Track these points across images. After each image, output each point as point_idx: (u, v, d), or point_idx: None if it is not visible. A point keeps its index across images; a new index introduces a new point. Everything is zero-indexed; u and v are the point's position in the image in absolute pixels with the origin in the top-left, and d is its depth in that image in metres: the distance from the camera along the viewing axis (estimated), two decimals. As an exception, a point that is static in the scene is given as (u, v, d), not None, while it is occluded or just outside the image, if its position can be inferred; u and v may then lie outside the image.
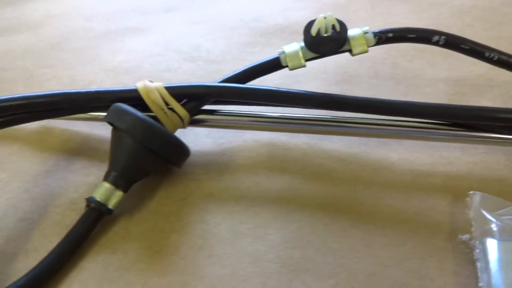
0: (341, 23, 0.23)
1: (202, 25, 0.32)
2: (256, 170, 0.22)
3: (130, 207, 0.21)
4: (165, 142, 0.20)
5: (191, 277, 0.18)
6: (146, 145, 0.20)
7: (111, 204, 0.20)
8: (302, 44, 0.23)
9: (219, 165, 0.23)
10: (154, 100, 0.22)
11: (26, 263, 0.19)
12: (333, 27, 0.22)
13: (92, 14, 0.33)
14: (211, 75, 0.28)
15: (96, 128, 0.25)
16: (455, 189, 0.21)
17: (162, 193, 0.21)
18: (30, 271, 0.18)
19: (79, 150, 0.24)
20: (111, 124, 0.21)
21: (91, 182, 0.22)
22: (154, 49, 0.30)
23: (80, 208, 0.21)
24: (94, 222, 0.19)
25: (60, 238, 0.19)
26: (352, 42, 0.23)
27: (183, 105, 0.22)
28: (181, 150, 0.21)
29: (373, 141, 0.24)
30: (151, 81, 0.22)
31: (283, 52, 0.23)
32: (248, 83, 0.23)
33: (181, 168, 0.22)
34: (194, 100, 0.22)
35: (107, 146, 0.24)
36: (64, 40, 0.30)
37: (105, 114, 0.22)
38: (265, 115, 0.23)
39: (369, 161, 0.23)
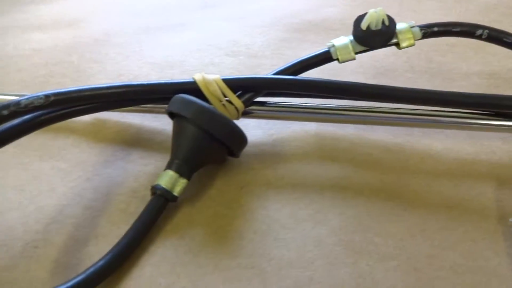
0: (389, 18, 0.23)
1: (237, 22, 0.33)
2: (308, 159, 0.23)
3: (191, 195, 0.21)
4: (229, 131, 0.21)
5: (260, 259, 0.19)
6: (211, 133, 0.20)
7: (176, 191, 0.20)
8: (351, 37, 0.24)
9: (272, 154, 0.24)
10: (212, 92, 0.22)
11: (97, 248, 0.20)
12: (383, 21, 0.23)
13: (131, 10, 0.34)
14: (253, 69, 0.29)
15: (147, 120, 0.25)
16: (499, 176, 0.22)
17: (220, 182, 0.22)
18: (107, 254, 0.18)
19: (133, 141, 0.24)
20: (172, 114, 0.22)
21: (150, 171, 0.23)
22: (194, 44, 0.30)
23: (142, 196, 0.22)
24: (160, 209, 0.20)
25: (127, 224, 0.20)
26: (399, 36, 0.24)
27: (238, 96, 0.23)
28: (242, 139, 0.21)
29: (416, 131, 0.25)
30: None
31: (333, 46, 0.24)
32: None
33: (238, 157, 0.22)
34: (249, 92, 0.23)
35: (161, 137, 0.25)
36: (106, 36, 0.31)
37: (160, 106, 0.24)
38: (312, 106, 0.24)
39: (414, 151, 0.24)
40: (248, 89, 0.23)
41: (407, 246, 0.19)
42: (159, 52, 0.30)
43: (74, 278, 0.17)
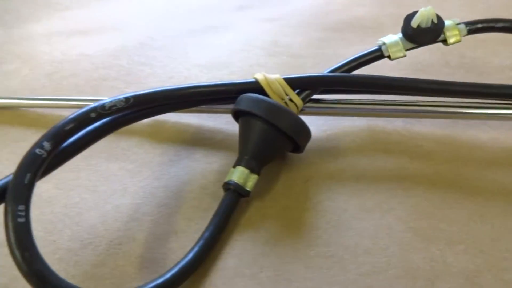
0: (438, 16, 0.25)
1: (274, 22, 0.34)
2: (364, 153, 0.24)
3: (259, 190, 0.22)
4: (297, 125, 0.22)
5: (337, 248, 0.20)
6: (280, 128, 0.21)
7: (248, 187, 0.21)
8: (400, 35, 0.25)
9: (328, 149, 0.24)
10: (275, 91, 0.23)
11: (179, 243, 0.20)
12: (432, 19, 0.24)
13: (171, 14, 0.35)
14: (297, 69, 0.30)
15: (204, 121, 0.26)
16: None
17: (284, 177, 0.23)
18: (193, 248, 0.19)
19: (194, 141, 0.25)
20: (237, 114, 0.23)
21: (215, 169, 0.23)
22: (237, 45, 0.31)
23: (212, 193, 0.22)
24: (235, 203, 0.21)
25: (203, 220, 0.21)
26: (447, 33, 0.25)
27: (297, 94, 0.24)
28: (308, 133, 0.22)
29: (460, 123, 0.26)
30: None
31: (384, 43, 0.25)
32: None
33: (302, 152, 0.23)
34: (306, 90, 0.24)
35: (220, 136, 0.25)
36: (150, 39, 0.31)
37: (220, 106, 0.25)
38: (363, 101, 0.25)
39: (462, 142, 0.25)
40: (305, 87, 0.24)
41: (470, 230, 0.20)
42: (204, 54, 0.31)
43: (168, 271, 0.18)
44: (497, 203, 0.22)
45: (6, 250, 0.19)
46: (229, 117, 0.26)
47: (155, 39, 0.32)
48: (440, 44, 0.25)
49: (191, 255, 0.19)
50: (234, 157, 0.24)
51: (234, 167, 0.22)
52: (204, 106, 0.25)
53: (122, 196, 0.22)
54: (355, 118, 0.26)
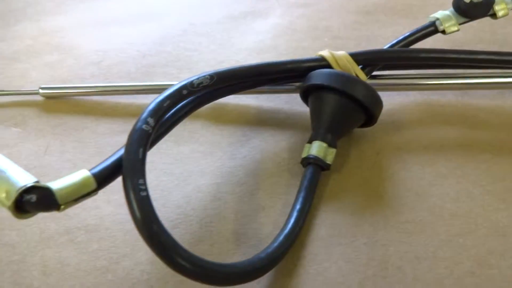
0: (488, -10, 0.26)
1: (309, 8, 0.34)
2: (425, 125, 0.25)
3: (334, 163, 0.22)
4: (373, 95, 0.22)
5: (423, 213, 0.20)
6: (357, 98, 0.21)
7: (328, 160, 0.21)
8: (451, 10, 0.26)
9: (391, 123, 0.25)
10: (342, 67, 0.23)
11: (269, 218, 0.20)
12: (483, -7, 0.25)
13: (205, 1, 0.34)
14: (341, 50, 0.30)
15: (263, 102, 0.26)
16: None
17: (355, 151, 0.23)
18: (288, 220, 0.19)
19: (258, 121, 0.25)
20: (307, 91, 0.23)
21: (286, 146, 0.23)
22: (278, 30, 0.31)
23: (289, 169, 0.22)
24: (318, 177, 0.21)
25: (286, 195, 0.21)
26: (495, 7, 0.26)
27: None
28: (381, 103, 0.22)
29: (506, 92, 0.27)
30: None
31: (438, 19, 0.26)
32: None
33: (375, 123, 0.23)
34: (369, 66, 0.25)
35: (282, 115, 0.25)
36: (192, 26, 0.31)
37: (280, 87, 0.25)
38: (416, 75, 0.26)
39: None
40: (369, 63, 0.24)
41: (543, 191, 0.22)
42: (248, 38, 0.30)
43: (273, 242, 0.18)
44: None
45: (99, 234, 0.19)
46: (287, 97, 0.27)
47: (196, 26, 0.31)
48: (471, 23, 0.26)
49: (289, 226, 0.19)
50: (300, 134, 0.25)
51: (309, 142, 0.22)
52: (265, 87, 0.25)
53: (201, 176, 0.22)
54: (408, 92, 0.27)
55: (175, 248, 0.15)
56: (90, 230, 0.19)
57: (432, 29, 0.26)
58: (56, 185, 0.14)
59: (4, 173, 0.14)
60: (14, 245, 0.19)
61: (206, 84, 0.19)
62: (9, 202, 0.13)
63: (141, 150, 0.16)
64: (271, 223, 0.20)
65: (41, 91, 0.25)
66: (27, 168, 0.15)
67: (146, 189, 0.15)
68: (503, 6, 0.26)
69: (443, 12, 0.26)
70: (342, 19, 0.33)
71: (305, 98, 0.24)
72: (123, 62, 0.28)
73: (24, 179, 0.14)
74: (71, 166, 0.23)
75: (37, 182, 0.14)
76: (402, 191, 0.21)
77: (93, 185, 0.15)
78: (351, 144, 0.24)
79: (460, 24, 0.26)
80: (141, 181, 0.15)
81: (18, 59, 0.29)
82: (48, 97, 0.26)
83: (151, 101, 0.18)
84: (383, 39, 0.32)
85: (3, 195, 0.14)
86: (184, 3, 0.34)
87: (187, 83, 0.19)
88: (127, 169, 0.15)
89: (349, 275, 0.18)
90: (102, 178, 0.15)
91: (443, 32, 0.25)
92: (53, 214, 0.19)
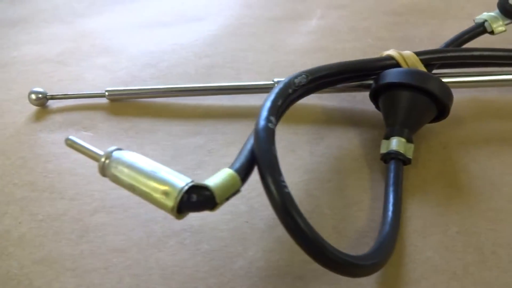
0: (532, -7, 0.27)
1: (346, 9, 0.35)
2: (481, 119, 0.26)
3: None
4: (446, 88, 0.23)
5: (502, 201, 0.21)
6: (433, 92, 0.22)
7: (409, 154, 0.22)
8: (496, 11, 0.28)
9: (451, 118, 0.26)
10: (411, 65, 0.24)
11: (362, 212, 0.21)
12: (528, -5, 0.27)
13: (242, 3, 0.34)
14: (382, 51, 0.31)
15: (326, 100, 0.27)
16: None
17: (423, 147, 0.24)
18: (386, 215, 0.19)
19: (326, 119, 0.25)
20: (382, 88, 0.24)
21: (359, 143, 0.24)
22: (323, 31, 0.32)
23: (368, 165, 0.23)
24: (402, 171, 0.22)
25: (372, 190, 0.22)
26: (539, 9, 0.28)
27: (423, 68, 0.25)
28: (452, 95, 0.23)
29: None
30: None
31: (486, 20, 0.27)
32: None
33: (448, 115, 0.24)
34: (429, 65, 0.26)
35: (348, 114, 0.26)
36: (237, 28, 0.31)
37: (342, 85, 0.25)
38: (467, 74, 0.27)
39: None
40: (432, 61, 0.25)
41: None
42: (296, 39, 0.31)
43: (383, 235, 0.18)
44: None
45: (206, 235, 0.19)
46: (346, 96, 0.27)
47: (243, 27, 0.31)
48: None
49: (390, 219, 0.19)
50: (369, 131, 0.25)
51: (387, 138, 0.23)
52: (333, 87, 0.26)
53: (288, 174, 0.22)
54: (456, 89, 0.28)
55: (320, 241, 0.15)
56: (195, 232, 0.19)
57: (481, 29, 0.27)
58: (212, 184, 0.14)
59: (157, 173, 0.14)
60: (125, 249, 0.18)
61: (303, 83, 0.20)
62: (172, 203, 0.13)
63: (272, 147, 0.16)
64: (365, 217, 0.21)
65: (107, 93, 0.25)
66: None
67: (287, 186, 0.15)
68: (544, 8, 0.28)
69: (489, 14, 0.28)
70: (377, 20, 0.34)
71: (375, 96, 0.25)
72: (181, 63, 0.28)
73: (181, 179, 0.14)
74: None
75: (193, 181, 0.14)
76: (476, 181, 0.23)
77: (239, 183, 0.15)
78: (419, 139, 0.25)
79: (506, 24, 0.27)
80: (282, 178, 0.15)
81: (65, 62, 0.28)
82: (113, 99, 0.25)
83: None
84: (419, 39, 0.33)
85: (162, 196, 0.13)
86: (223, 5, 0.34)
87: (290, 82, 0.19)
88: (267, 167, 0.15)
89: (452, 262, 0.19)
90: (243, 176, 0.15)
91: (491, 32, 0.27)
92: (155, 217, 0.19)
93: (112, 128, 0.24)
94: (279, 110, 0.18)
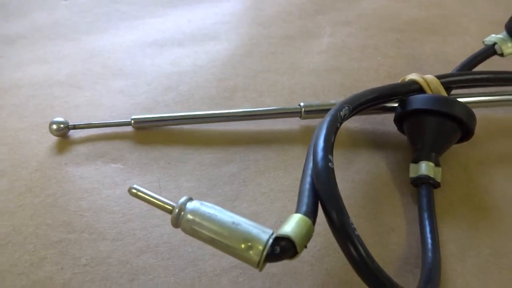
0: (538, 18, 0.29)
1: (352, 26, 0.35)
2: (495, 138, 0.27)
3: None
4: (469, 112, 0.24)
5: None
6: (457, 116, 0.23)
7: (438, 178, 0.23)
8: (504, 34, 0.29)
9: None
10: (433, 89, 0.25)
11: (400, 238, 0.21)
12: (533, 20, 0.28)
13: (255, 21, 0.34)
14: (393, 69, 0.32)
15: (348, 122, 0.27)
16: None
17: (445, 167, 0.25)
18: (426, 241, 0.20)
19: (352, 143, 0.26)
20: (407, 114, 0.24)
21: (385, 167, 0.25)
22: (335, 49, 0.32)
23: (398, 189, 0.24)
24: (433, 194, 0.23)
25: (406, 213, 0.22)
26: (544, 31, 0.29)
27: (445, 90, 0.26)
28: (475, 117, 0.24)
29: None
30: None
31: (495, 43, 0.29)
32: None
33: (472, 135, 0.25)
34: (453, 86, 0.27)
35: (371, 136, 0.27)
36: (251, 47, 0.31)
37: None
38: (477, 94, 0.29)
39: None
40: (451, 85, 0.26)
41: None
42: (312, 58, 0.31)
43: (428, 265, 0.19)
44: None
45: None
46: (367, 117, 0.28)
47: (259, 46, 0.31)
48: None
49: (430, 247, 0.20)
50: (394, 153, 0.26)
51: (415, 162, 0.24)
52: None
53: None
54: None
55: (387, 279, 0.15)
56: (246, 268, 0.19)
57: (491, 51, 0.28)
58: (292, 233, 0.14)
59: (239, 227, 0.14)
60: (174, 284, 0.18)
61: (347, 114, 0.20)
62: (258, 257, 0.13)
63: (335, 187, 0.16)
64: (404, 243, 0.21)
65: (133, 122, 0.24)
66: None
67: (353, 225, 0.15)
68: (545, 30, 0.29)
69: (498, 36, 0.29)
70: (383, 37, 0.35)
71: (399, 121, 0.26)
72: (202, 86, 0.27)
73: (264, 231, 0.14)
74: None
75: (273, 232, 0.14)
76: (499, 203, 0.24)
77: (312, 227, 0.15)
78: (440, 161, 0.26)
79: (515, 47, 0.29)
80: (350, 221, 0.15)
81: (79, 85, 0.27)
82: (140, 128, 0.24)
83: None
84: (424, 56, 0.34)
85: (245, 249, 0.13)
86: (231, 23, 0.34)
87: (337, 116, 0.19)
88: (338, 211, 0.15)
89: (489, 284, 0.20)
90: (313, 219, 0.15)
91: (501, 54, 0.29)
92: (203, 255, 0.19)
93: (141, 159, 0.23)
94: (332, 146, 0.18)
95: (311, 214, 0.15)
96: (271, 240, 0.13)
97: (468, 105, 0.28)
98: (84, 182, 0.22)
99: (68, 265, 0.18)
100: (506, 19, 0.30)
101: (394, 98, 0.25)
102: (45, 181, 0.22)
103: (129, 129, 0.24)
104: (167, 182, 0.22)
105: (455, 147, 0.26)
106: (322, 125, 0.19)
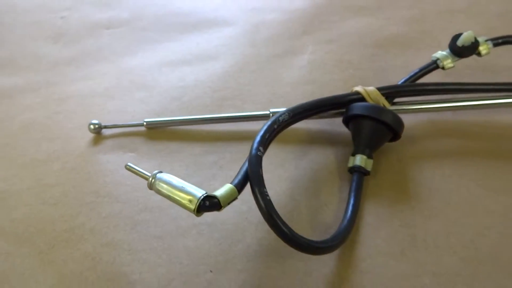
0: (475, 36, 0.34)
1: (334, 44, 0.42)
2: (433, 138, 0.33)
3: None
4: (397, 119, 0.30)
5: (438, 202, 0.29)
6: (387, 122, 0.29)
7: (368, 168, 0.30)
8: (447, 51, 0.35)
9: (407, 137, 0.33)
10: (373, 99, 0.32)
11: (331, 211, 0.29)
12: (471, 40, 0.34)
13: (250, 43, 0.43)
14: (362, 80, 0.39)
15: (311, 124, 0.34)
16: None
17: (382, 160, 0.32)
18: (347, 212, 0.27)
19: (310, 140, 0.33)
20: (350, 118, 0.31)
21: (334, 159, 0.32)
22: (313, 64, 0.40)
23: (339, 175, 0.31)
24: (362, 180, 0.30)
25: (340, 193, 0.30)
26: (480, 48, 0.35)
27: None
28: (402, 123, 0.31)
29: (489, 111, 0.36)
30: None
31: (438, 58, 0.35)
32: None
33: (399, 139, 0.32)
34: (392, 96, 0.33)
35: (327, 135, 0.34)
36: (246, 65, 0.39)
37: (325, 113, 0.33)
38: (423, 101, 0.35)
39: (496, 124, 0.35)
40: (390, 95, 0.33)
41: (518, 183, 0.31)
42: (291, 73, 0.39)
43: (342, 226, 0.26)
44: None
45: (218, 227, 0.27)
46: (328, 121, 0.35)
47: (250, 64, 0.39)
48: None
49: (348, 215, 0.27)
50: (342, 149, 0.33)
51: (353, 155, 0.31)
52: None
53: (278, 183, 0.30)
54: (416, 114, 0.36)
55: (292, 232, 0.23)
56: (210, 225, 0.27)
57: (434, 66, 0.34)
58: (218, 194, 0.22)
59: (184, 188, 0.22)
60: (162, 237, 0.27)
61: (286, 119, 0.28)
62: (193, 206, 0.22)
63: (260, 169, 0.24)
64: (333, 215, 0.28)
65: (145, 123, 0.33)
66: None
67: (268, 195, 0.23)
68: (485, 47, 0.35)
69: (442, 53, 0.35)
70: (361, 52, 0.42)
71: (346, 122, 0.33)
72: (200, 97, 0.36)
73: (198, 191, 0.22)
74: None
75: (207, 193, 0.22)
76: (419, 188, 0.30)
77: (236, 193, 0.23)
78: (381, 155, 0.32)
79: (454, 61, 0.35)
80: (265, 189, 0.23)
81: (112, 96, 0.37)
82: (150, 128, 0.34)
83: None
84: (395, 68, 0.41)
85: (187, 202, 0.22)
86: (231, 45, 0.42)
87: (276, 120, 0.27)
88: (256, 182, 0.23)
89: (395, 246, 0.27)
90: (240, 188, 0.23)
91: (443, 68, 0.34)
92: (181, 214, 0.28)
93: (149, 150, 0.32)
94: (266, 141, 0.26)
95: (238, 185, 0.23)
96: (202, 197, 0.22)
97: (414, 110, 0.34)
98: (109, 165, 0.31)
99: (94, 217, 0.28)
100: (481, 33, 0.36)
101: (337, 106, 0.32)
102: (84, 163, 0.32)
103: (142, 129, 0.34)
104: (165, 166, 0.31)
105: (396, 144, 0.33)
106: (263, 126, 0.27)
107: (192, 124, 0.34)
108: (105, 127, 0.34)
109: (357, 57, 0.41)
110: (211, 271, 0.25)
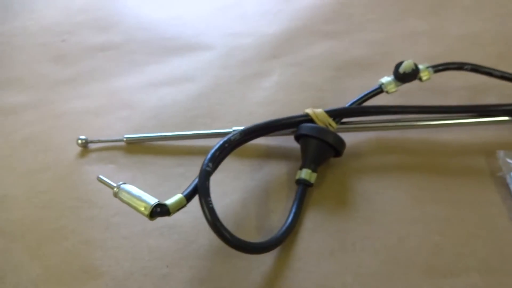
0: (415, 64, 0.39)
1: (300, 67, 0.47)
2: (377, 154, 0.37)
3: (316, 183, 0.35)
4: (338, 140, 0.35)
5: (371, 212, 0.33)
6: (329, 142, 0.34)
7: (312, 180, 0.34)
8: (392, 77, 0.39)
9: (352, 153, 0.38)
10: (320, 120, 0.37)
11: (276, 217, 0.33)
12: (412, 67, 0.38)
13: (223, 65, 0.48)
14: (321, 100, 0.43)
15: (269, 141, 0.39)
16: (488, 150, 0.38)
17: (329, 174, 0.36)
18: (289, 218, 0.32)
19: (267, 154, 0.38)
20: (298, 136, 0.36)
21: (286, 171, 0.36)
22: (278, 86, 0.44)
23: (289, 186, 0.35)
24: (306, 192, 0.34)
25: (287, 202, 0.34)
26: (421, 74, 0.39)
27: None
28: (344, 144, 0.35)
29: (431, 130, 0.40)
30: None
31: (383, 83, 0.39)
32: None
33: (341, 156, 0.36)
34: (338, 117, 0.38)
35: (283, 150, 0.38)
36: (218, 86, 0.44)
37: (281, 132, 0.38)
38: (371, 121, 0.39)
39: (435, 141, 0.39)
40: (337, 116, 0.37)
41: (442, 194, 0.35)
42: (257, 94, 0.44)
43: (280, 230, 0.31)
44: (456, 181, 0.36)
45: (177, 230, 0.32)
46: (286, 138, 0.40)
47: (221, 85, 0.44)
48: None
49: (289, 221, 0.32)
50: (294, 163, 0.38)
51: (300, 169, 0.35)
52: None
53: (233, 193, 0.35)
54: (364, 132, 0.40)
55: (230, 234, 0.28)
56: (170, 227, 0.32)
57: (379, 90, 0.39)
58: (168, 203, 0.27)
59: (141, 197, 0.27)
60: (130, 237, 0.32)
61: (238, 138, 0.33)
62: (147, 212, 0.27)
63: (207, 182, 0.29)
64: (278, 220, 0.33)
65: (125, 139, 0.39)
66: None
67: (212, 203, 0.28)
68: (426, 73, 0.39)
69: (387, 78, 0.39)
70: (323, 74, 0.46)
71: (297, 140, 0.37)
72: (174, 115, 0.42)
73: (152, 200, 0.27)
74: (152, 188, 0.36)
75: (159, 201, 0.27)
76: (358, 198, 0.34)
77: (185, 201, 0.28)
78: (326, 169, 0.37)
79: (397, 86, 0.39)
80: (209, 199, 0.28)
81: (100, 114, 0.43)
82: (129, 143, 0.39)
83: (207, 149, 0.31)
84: (353, 89, 0.45)
85: (143, 209, 0.27)
86: (206, 68, 0.47)
87: (227, 139, 0.32)
88: (202, 193, 0.28)
89: (326, 248, 0.31)
90: (188, 198, 0.28)
91: (387, 92, 0.39)
92: (146, 219, 0.33)
93: (127, 162, 0.38)
94: (217, 158, 0.31)
95: (188, 195, 0.28)
96: (155, 204, 0.27)
97: (360, 128, 0.39)
98: (92, 175, 0.37)
99: (75, 220, 0.33)
100: (442, 55, 0.40)
101: (288, 126, 0.36)
102: (71, 173, 0.37)
103: (123, 143, 0.39)
104: (139, 176, 0.36)
105: (342, 159, 0.37)
106: (215, 145, 0.31)
107: (166, 140, 0.39)
108: (91, 141, 0.39)
109: (319, 79, 0.45)
110: (167, 266, 0.30)
